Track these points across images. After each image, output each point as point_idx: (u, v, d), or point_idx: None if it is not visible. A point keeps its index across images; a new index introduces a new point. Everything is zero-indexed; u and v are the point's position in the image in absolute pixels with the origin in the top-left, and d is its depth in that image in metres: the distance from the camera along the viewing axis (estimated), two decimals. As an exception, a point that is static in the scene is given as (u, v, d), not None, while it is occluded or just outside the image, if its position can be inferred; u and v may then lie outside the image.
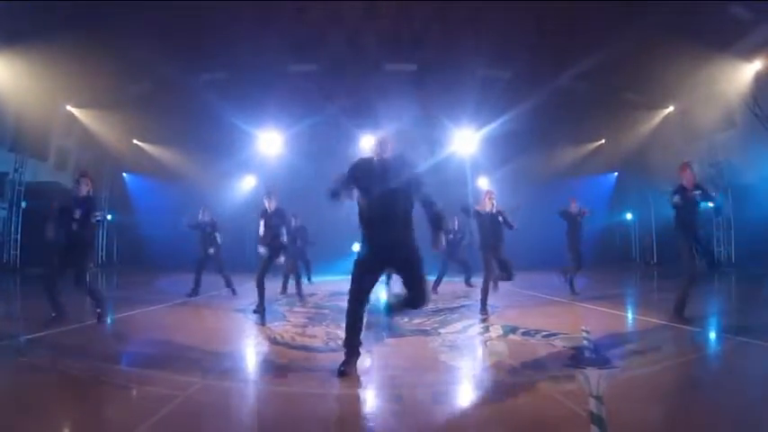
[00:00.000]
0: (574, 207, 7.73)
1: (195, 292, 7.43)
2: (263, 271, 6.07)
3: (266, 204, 6.26)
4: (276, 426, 2.44)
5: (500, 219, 6.12)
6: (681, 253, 5.02)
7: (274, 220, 6.14)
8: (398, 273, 3.39)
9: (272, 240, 6.07)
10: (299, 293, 7.39)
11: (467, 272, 8.91)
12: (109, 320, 5.14)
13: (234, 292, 7.71)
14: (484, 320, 5.35)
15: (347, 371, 3.14)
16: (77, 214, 4.86)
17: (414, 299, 3.30)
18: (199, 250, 7.75)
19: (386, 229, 3.23)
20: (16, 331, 4.35)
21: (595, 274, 8.17)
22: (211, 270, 7.79)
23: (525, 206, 6.42)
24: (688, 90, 11.21)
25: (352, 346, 3.25)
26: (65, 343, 4.04)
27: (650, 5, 8.41)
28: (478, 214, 6.11)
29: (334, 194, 3.30)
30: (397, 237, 3.25)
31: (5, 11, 8.29)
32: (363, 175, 3.30)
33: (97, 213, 5.28)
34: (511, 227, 6.12)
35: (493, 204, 6.12)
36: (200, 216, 7.81)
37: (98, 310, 4.97)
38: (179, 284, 7.87)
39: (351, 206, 3.45)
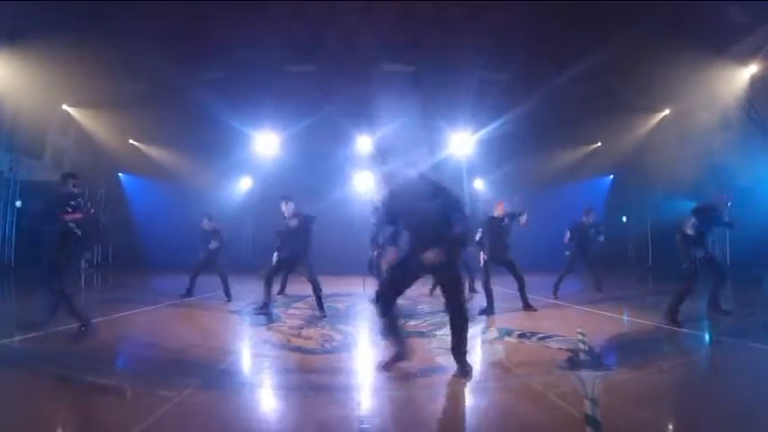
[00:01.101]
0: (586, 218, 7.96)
1: (189, 293, 7.37)
2: (274, 271, 5.93)
3: (284, 209, 5.97)
4: (272, 428, 2.43)
5: (505, 221, 6.18)
6: (683, 257, 5.04)
7: (296, 229, 5.90)
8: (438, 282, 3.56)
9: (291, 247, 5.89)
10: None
11: (472, 278, 8.60)
12: (94, 324, 4.44)
13: (229, 298, 7.31)
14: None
15: (398, 359, 3.28)
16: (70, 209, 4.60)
17: (452, 317, 3.32)
18: (199, 252, 7.64)
19: (427, 242, 3.23)
20: (10, 331, 4.32)
21: (591, 277, 8.19)
22: (209, 272, 7.72)
23: (522, 208, 6.42)
24: (684, 93, 11.27)
25: (397, 339, 3.35)
26: (58, 344, 4.01)
27: (646, 7, 8.46)
28: (492, 219, 6.24)
29: (390, 224, 3.54)
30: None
31: (2, 10, 8.26)
32: (398, 204, 3.44)
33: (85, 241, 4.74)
34: (519, 218, 6.23)
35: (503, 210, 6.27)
36: (204, 223, 7.67)
37: (80, 325, 4.28)
38: (175, 285, 7.82)
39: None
